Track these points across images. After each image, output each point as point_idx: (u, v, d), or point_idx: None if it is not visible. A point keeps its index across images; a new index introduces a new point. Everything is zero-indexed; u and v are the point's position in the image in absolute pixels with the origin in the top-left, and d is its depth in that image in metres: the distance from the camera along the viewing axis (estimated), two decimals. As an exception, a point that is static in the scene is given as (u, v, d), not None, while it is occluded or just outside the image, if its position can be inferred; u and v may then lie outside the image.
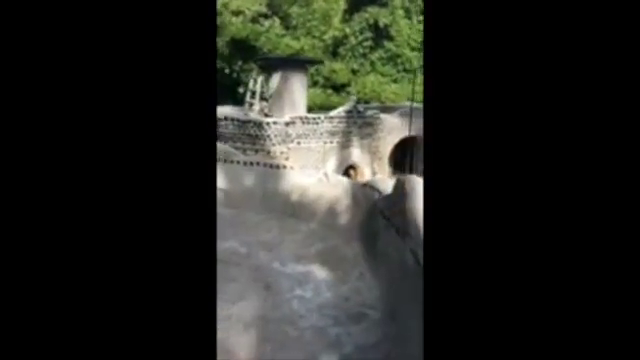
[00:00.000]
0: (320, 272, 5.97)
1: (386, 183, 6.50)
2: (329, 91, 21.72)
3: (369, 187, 6.67)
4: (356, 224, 6.57)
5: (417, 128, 14.05)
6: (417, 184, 4.68)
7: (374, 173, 12.57)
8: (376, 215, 5.87)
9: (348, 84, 21.58)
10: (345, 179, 7.54)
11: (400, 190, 4.90)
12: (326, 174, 7.34)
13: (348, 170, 11.34)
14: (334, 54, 22.25)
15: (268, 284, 5.36)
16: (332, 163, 10.51)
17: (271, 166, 7.99)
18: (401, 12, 22.27)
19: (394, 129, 13.36)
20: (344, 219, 6.84)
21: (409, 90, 22.33)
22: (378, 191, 6.37)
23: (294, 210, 7.50)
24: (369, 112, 11.81)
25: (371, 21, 21.23)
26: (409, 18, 22.59)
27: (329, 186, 7.26)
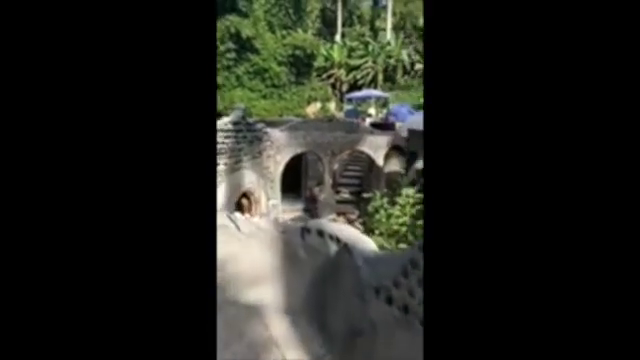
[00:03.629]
0: None
1: (346, 227, 3.79)
2: (191, 107, 18.16)
3: (315, 233, 3.83)
4: (302, 310, 3.65)
5: (306, 143, 11.87)
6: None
7: (268, 199, 9.72)
8: (355, 292, 3.09)
9: (213, 99, 18.44)
10: (267, 222, 4.42)
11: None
12: (231, 217, 4.20)
13: (241, 200, 8.20)
14: (193, 65, 18.86)
15: None
16: (222, 192, 7.24)
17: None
18: (264, 24, 20.31)
19: (283, 146, 10.90)
20: (276, 298, 3.83)
21: (280, 106, 20.34)
22: (337, 239, 3.60)
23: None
24: (258, 125, 8.96)
25: (232, 30, 18.59)
26: (273, 32, 20.78)
27: (239, 238, 4.14)
